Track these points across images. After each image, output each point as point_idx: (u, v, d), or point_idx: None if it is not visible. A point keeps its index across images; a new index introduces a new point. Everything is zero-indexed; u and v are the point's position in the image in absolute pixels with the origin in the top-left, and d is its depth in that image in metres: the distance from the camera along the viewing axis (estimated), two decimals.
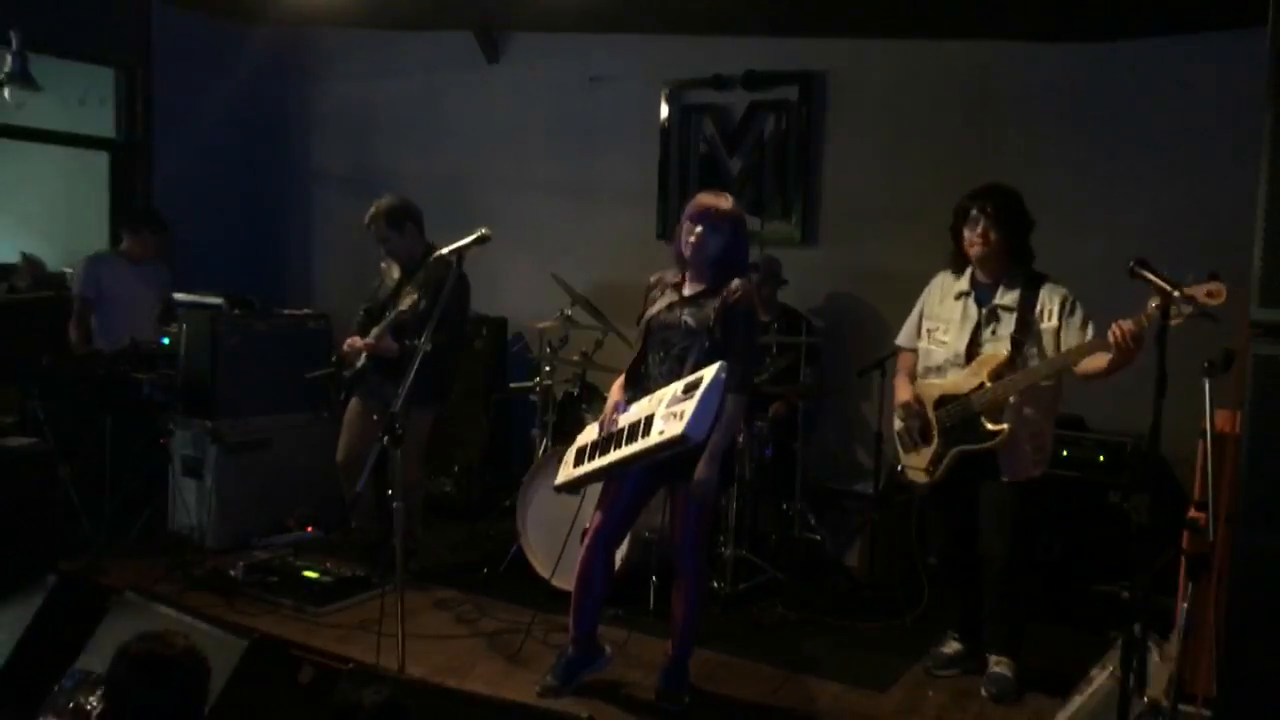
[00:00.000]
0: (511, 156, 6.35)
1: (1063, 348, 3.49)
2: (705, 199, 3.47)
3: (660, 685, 3.56)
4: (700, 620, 3.65)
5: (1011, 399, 3.53)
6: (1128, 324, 3.18)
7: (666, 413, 3.25)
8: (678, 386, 3.31)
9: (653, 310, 3.58)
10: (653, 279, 3.66)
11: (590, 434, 3.63)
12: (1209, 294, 2.82)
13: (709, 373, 3.23)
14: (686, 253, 3.46)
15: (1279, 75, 2.56)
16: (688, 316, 3.44)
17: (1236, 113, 4.17)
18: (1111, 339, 3.22)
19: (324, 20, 6.54)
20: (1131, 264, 2.83)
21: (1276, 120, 2.56)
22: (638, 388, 3.57)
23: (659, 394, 3.39)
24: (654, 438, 3.24)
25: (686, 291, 3.51)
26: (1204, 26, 4.37)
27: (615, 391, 3.63)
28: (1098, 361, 3.38)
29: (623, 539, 3.77)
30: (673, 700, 3.52)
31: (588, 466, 3.52)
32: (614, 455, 3.40)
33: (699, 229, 3.41)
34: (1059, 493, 4.29)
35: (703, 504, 3.44)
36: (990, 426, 3.53)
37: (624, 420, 3.46)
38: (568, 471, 3.62)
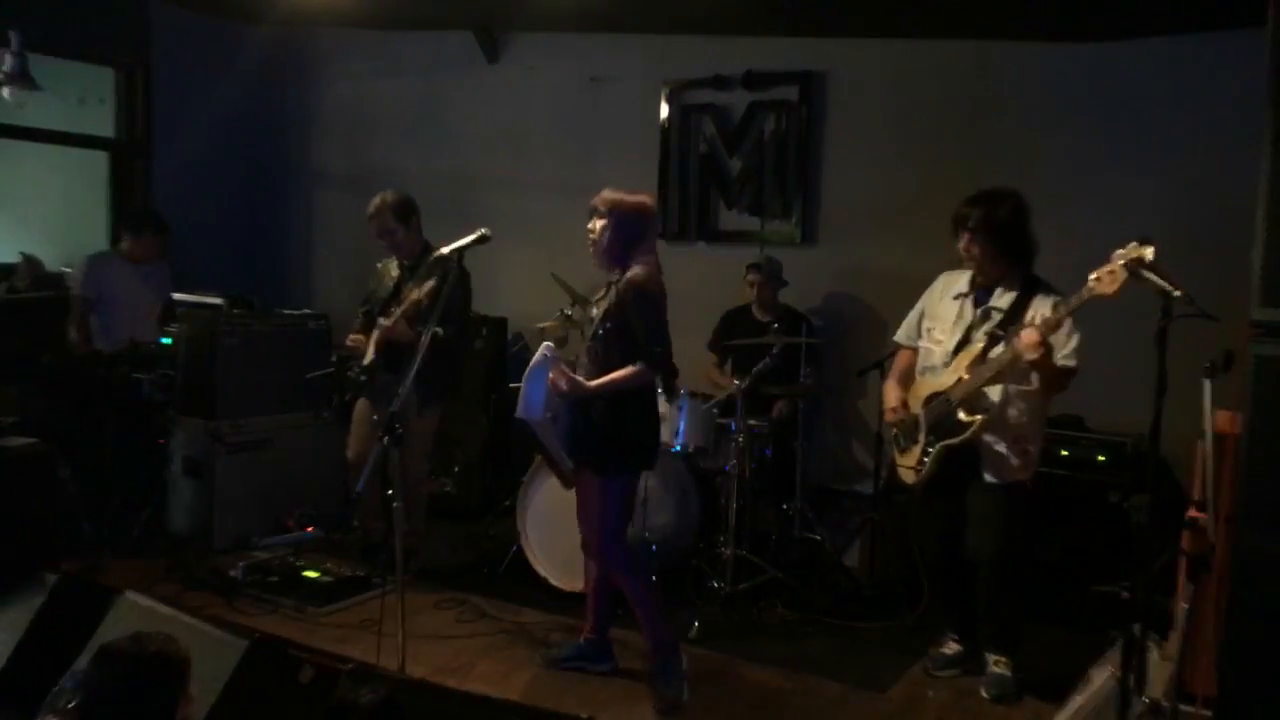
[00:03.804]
0: (511, 156, 6.35)
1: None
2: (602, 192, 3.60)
3: (649, 685, 3.59)
4: (654, 606, 3.65)
5: (995, 396, 3.55)
6: (1031, 332, 3.30)
7: None
8: None
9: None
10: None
11: None
12: (1138, 256, 2.89)
13: (536, 354, 3.43)
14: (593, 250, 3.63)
15: (1279, 75, 2.56)
16: (596, 310, 3.61)
17: (1236, 113, 4.18)
18: (1020, 348, 3.32)
19: (324, 20, 6.54)
20: (1130, 246, 2.86)
21: (1276, 120, 2.55)
22: None
23: None
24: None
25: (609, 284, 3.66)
26: (1204, 26, 4.37)
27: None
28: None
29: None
30: (663, 697, 3.52)
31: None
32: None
33: (589, 223, 3.58)
34: (1059, 493, 4.30)
35: (601, 492, 3.53)
36: (964, 418, 3.56)
37: None
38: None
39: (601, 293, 3.69)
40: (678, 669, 3.59)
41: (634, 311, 3.49)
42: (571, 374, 3.47)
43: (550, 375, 3.42)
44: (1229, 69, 4.32)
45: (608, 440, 3.52)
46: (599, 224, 3.55)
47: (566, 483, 3.67)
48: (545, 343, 3.46)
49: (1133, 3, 4.41)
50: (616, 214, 3.53)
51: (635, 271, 3.52)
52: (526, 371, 3.42)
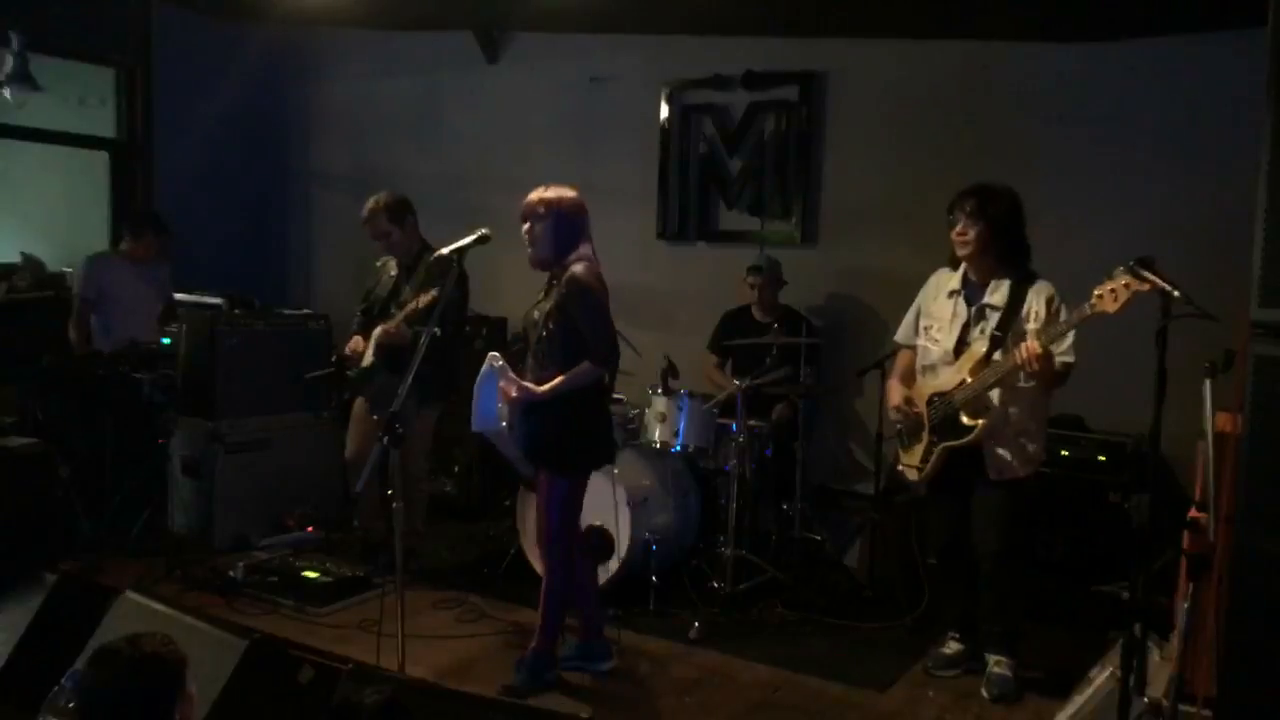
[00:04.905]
0: (511, 156, 6.35)
1: None
2: (531, 194, 3.56)
3: (517, 664, 3.61)
4: (560, 617, 3.66)
5: (996, 398, 3.56)
6: (1033, 345, 3.33)
7: None
8: None
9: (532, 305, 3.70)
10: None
11: None
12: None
13: (484, 365, 3.43)
14: (531, 253, 3.58)
15: (1279, 75, 2.55)
16: (538, 312, 3.58)
17: (1236, 113, 4.18)
18: (1019, 360, 3.36)
19: (324, 20, 6.54)
20: (1131, 264, 2.85)
21: (1276, 120, 2.55)
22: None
23: None
24: None
25: (549, 286, 3.63)
26: (1204, 26, 4.37)
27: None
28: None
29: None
30: (513, 684, 3.54)
31: None
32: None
33: (524, 226, 3.54)
34: (1059, 493, 4.30)
35: (551, 491, 3.53)
36: (967, 421, 3.57)
37: None
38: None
39: (540, 295, 3.65)
40: (544, 677, 3.60)
41: (578, 310, 3.47)
42: (520, 381, 3.47)
43: (500, 384, 3.44)
44: (1229, 69, 4.32)
45: (561, 439, 3.51)
46: (538, 227, 3.52)
47: (529, 486, 3.71)
48: (492, 353, 3.47)
49: (1132, 3, 4.41)
50: (556, 213, 3.52)
51: (577, 270, 3.50)
52: (476, 384, 3.44)
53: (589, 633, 3.80)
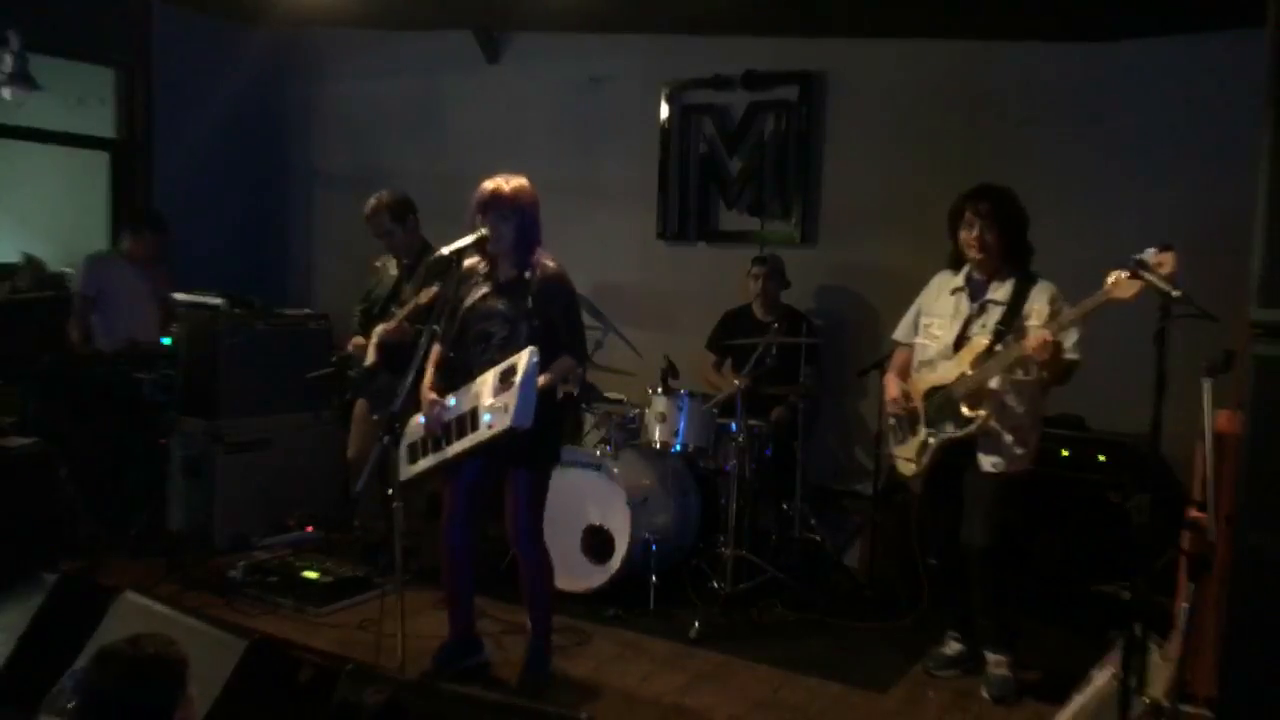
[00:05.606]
0: (511, 156, 6.30)
1: None
2: (487, 185, 3.49)
3: (521, 674, 3.62)
4: (548, 606, 3.69)
5: (994, 387, 3.57)
6: (1044, 333, 3.34)
7: (491, 405, 3.32)
8: (493, 376, 3.37)
9: (469, 301, 3.58)
10: (467, 264, 3.61)
11: (417, 430, 3.61)
12: (1158, 264, 2.86)
13: (522, 361, 3.29)
14: (488, 248, 3.51)
15: (1279, 75, 2.56)
16: (502, 305, 3.49)
17: (1236, 113, 4.18)
18: (1030, 349, 3.36)
19: (324, 20, 6.53)
20: (1132, 263, 2.86)
21: (1276, 120, 2.55)
22: (454, 379, 3.56)
23: (476, 385, 3.42)
24: (484, 432, 3.33)
25: (500, 279, 3.55)
26: (1204, 26, 4.37)
27: (426, 387, 3.61)
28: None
29: (476, 523, 3.75)
30: (530, 680, 3.56)
31: (424, 463, 3.54)
32: (450, 450, 3.45)
33: (480, 215, 3.46)
34: (1059, 493, 4.30)
35: (531, 489, 3.52)
36: (968, 413, 3.57)
37: (452, 414, 3.48)
38: (406, 469, 3.61)
39: (484, 290, 3.54)
40: (542, 675, 3.64)
41: (556, 305, 3.46)
42: None
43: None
44: (1229, 69, 4.31)
45: (539, 436, 3.44)
46: (502, 225, 3.44)
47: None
48: (532, 349, 3.31)
49: (1133, 3, 4.41)
50: (521, 208, 3.47)
51: (551, 266, 3.49)
52: (521, 379, 3.26)
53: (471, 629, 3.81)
